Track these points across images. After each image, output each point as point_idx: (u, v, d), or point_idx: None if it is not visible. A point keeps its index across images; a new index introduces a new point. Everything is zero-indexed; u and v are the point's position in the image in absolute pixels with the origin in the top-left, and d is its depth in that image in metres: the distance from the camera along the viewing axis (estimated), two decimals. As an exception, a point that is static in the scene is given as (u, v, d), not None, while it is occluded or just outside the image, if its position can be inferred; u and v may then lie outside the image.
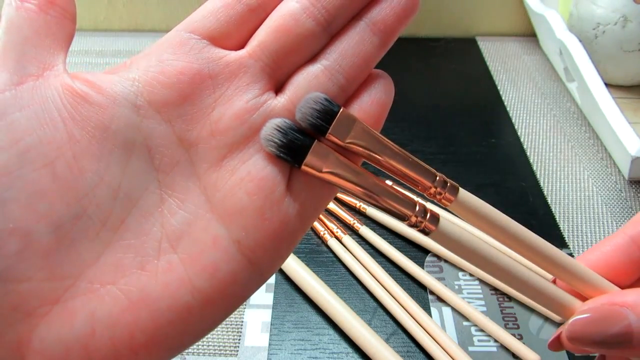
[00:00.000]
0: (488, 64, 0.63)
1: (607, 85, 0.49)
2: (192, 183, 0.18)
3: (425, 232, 0.19)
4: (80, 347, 0.16)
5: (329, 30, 0.19)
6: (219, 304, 0.17)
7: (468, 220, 0.20)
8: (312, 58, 0.19)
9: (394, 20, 0.19)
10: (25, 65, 0.17)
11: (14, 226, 0.16)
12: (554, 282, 0.19)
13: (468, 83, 0.60)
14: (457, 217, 0.20)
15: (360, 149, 0.18)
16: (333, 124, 0.17)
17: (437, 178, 0.19)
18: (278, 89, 0.19)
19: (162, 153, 0.18)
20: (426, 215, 0.18)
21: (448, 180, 0.19)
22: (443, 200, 0.19)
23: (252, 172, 0.17)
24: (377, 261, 0.38)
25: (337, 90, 0.19)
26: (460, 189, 0.19)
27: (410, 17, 0.19)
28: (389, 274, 0.37)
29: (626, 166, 0.45)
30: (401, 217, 0.18)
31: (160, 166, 0.18)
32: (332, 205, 0.43)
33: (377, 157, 0.18)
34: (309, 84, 0.18)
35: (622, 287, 0.18)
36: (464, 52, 0.65)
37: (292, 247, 0.18)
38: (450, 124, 0.54)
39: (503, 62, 0.63)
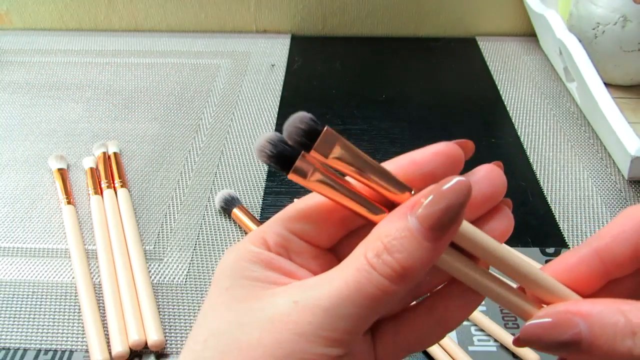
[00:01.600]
0: (488, 64, 0.63)
1: (606, 85, 0.49)
2: None
3: None
4: None
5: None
6: None
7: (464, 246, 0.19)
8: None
9: None
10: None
11: None
12: (521, 289, 0.19)
13: (468, 83, 0.60)
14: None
15: (343, 164, 0.18)
16: (317, 141, 0.17)
17: (413, 192, 0.18)
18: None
19: None
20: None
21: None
22: None
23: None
24: (377, 261, 0.38)
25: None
26: None
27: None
28: (389, 274, 0.37)
29: (626, 166, 0.45)
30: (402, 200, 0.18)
31: None
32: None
33: (359, 172, 0.18)
34: None
35: (584, 297, 0.19)
36: (464, 52, 0.65)
37: None
38: (450, 124, 0.54)
39: (503, 62, 0.63)
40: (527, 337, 0.17)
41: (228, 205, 0.43)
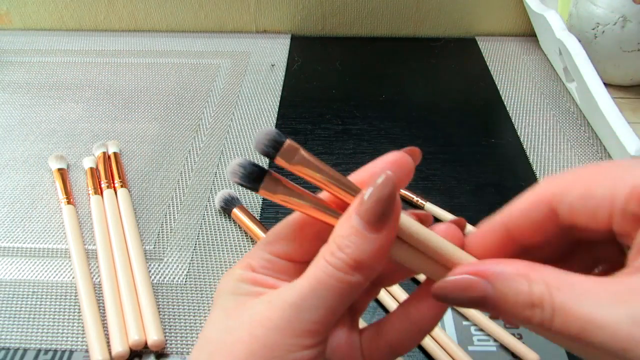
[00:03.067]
0: (488, 64, 0.63)
1: (606, 85, 0.49)
2: None
3: None
4: None
5: None
6: None
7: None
8: None
9: None
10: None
11: None
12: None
13: (468, 83, 0.60)
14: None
15: (304, 169, 0.20)
16: (280, 150, 0.20)
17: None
18: None
19: None
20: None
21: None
22: None
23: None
24: (377, 261, 0.38)
25: None
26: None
27: None
28: (389, 274, 0.37)
29: (626, 166, 0.45)
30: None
31: None
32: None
33: (318, 177, 0.20)
34: None
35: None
36: (464, 52, 0.65)
37: None
38: (450, 124, 0.54)
39: (503, 62, 0.63)
40: (441, 294, 0.19)
41: (228, 205, 0.43)
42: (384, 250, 0.19)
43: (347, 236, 0.18)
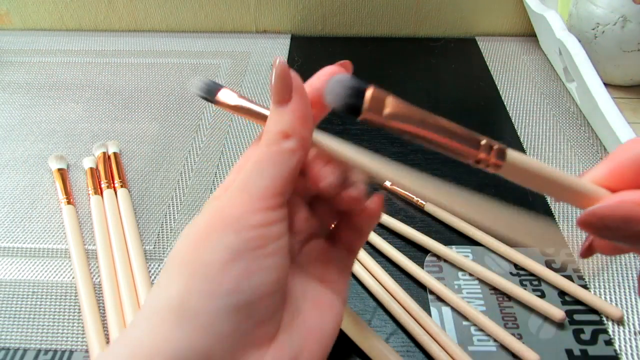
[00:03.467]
0: (488, 64, 0.63)
1: (606, 85, 0.49)
2: (317, 286, 0.24)
3: (496, 166, 0.19)
4: None
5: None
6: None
7: (520, 182, 0.20)
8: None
9: None
10: (277, 212, 0.21)
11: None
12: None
13: (468, 83, 0.60)
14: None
15: (399, 123, 0.18)
16: (365, 101, 0.18)
17: (483, 143, 0.18)
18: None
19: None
20: (491, 151, 0.18)
21: (494, 143, 0.19)
22: (490, 167, 0.19)
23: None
24: (377, 261, 0.38)
25: None
26: (509, 150, 0.19)
27: None
28: (389, 274, 0.37)
29: (626, 166, 0.45)
30: (468, 156, 0.19)
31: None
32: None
33: (417, 129, 0.18)
34: None
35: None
36: (464, 52, 0.65)
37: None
38: (450, 124, 0.54)
39: (503, 62, 0.63)
40: (591, 221, 0.19)
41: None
42: (299, 115, 0.22)
43: (269, 120, 0.22)
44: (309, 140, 0.22)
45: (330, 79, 0.20)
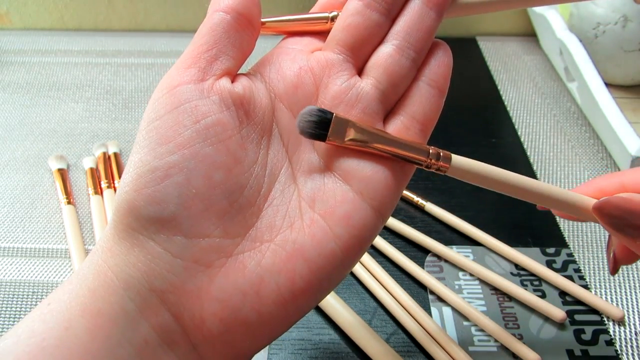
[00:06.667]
0: (488, 64, 0.63)
1: (607, 85, 0.49)
2: (314, 156, 0.22)
3: (441, 170, 0.23)
4: (253, 293, 0.20)
5: (391, 16, 0.23)
6: (355, 248, 0.21)
7: (466, 180, 0.23)
8: (383, 40, 0.23)
9: None
10: (213, 67, 0.22)
11: (197, 191, 0.20)
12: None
13: (468, 83, 0.60)
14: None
15: (359, 143, 0.21)
16: (330, 129, 0.21)
17: (431, 152, 0.22)
18: (361, 73, 0.23)
19: (288, 134, 0.22)
20: (439, 157, 0.22)
21: (440, 150, 0.22)
22: (439, 170, 0.23)
23: None
24: (377, 261, 0.38)
25: (410, 63, 0.23)
26: (453, 155, 0.23)
27: None
28: (389, 274, 0.37)
29: (626, 166, 0.45)
30: (418, 163, 0.22)
31: (289, 146, 0.22)
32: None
33: (375, 146, 0.21)
34: (385, 63, 0.23)
35: None
36: (464, 52, 0.65)
37: (401, 189, 0.23)
38: (450, 124, 0.53)
39: (503, 62, 0.63)
40: (604, 207, 0.23)
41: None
42: None
43: None
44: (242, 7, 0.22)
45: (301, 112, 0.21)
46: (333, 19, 0.24)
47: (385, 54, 0.23)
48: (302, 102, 0.22)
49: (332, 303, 0.35)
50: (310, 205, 0.21)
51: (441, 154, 0.22)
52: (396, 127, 0.23)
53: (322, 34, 0.24)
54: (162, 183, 0.20)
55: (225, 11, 0.22)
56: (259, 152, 0.22)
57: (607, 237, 0.34)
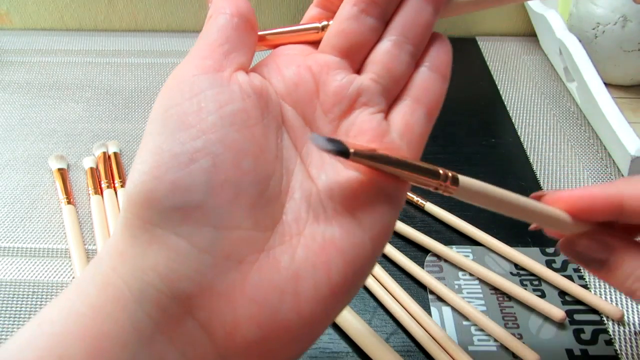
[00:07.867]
0: (488, 63, 0.63)
1: (606, 85, 0.49)
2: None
3: (449, 191, 0.22)
4: (291, 290, 0.18)
5: (386, 18, 0.23)
6: (381, 235, 0.20)
7: (473, 202, 0.23)
8: (380, 37, 0.23)
9: None
10: (228, 59, 0.21)
11: (225, 178, 0.18)
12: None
13: (468, 83, 0.60)
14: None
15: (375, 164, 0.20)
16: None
17: (441, 173, 0.21)
18: (359, 71, 0.23)
19: (295, 131, 0.22)
20: (447, 179, 0.22)
21: (448, 172, 0.22)
22: (446, 192, 0.22)
23: (363, 127, 0.21)
24: (377, 261, 0.38)
25: (409, 57, 0.23)
26: (460, 177, 0.22)
27: None
28: (389, 274, 0.37)
29: (626, 166, 0.45)
30: (429, 185, 0.22)
31: (296, 142, 0.22)
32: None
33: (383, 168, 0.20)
34: (384, 58, 0.22)
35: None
36: (464, 52, 0.65)
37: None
38: (450, 124, 0.54)
39: (503, 62, 0.63)
40: (567, 248, 0.25)
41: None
42: None
43: None
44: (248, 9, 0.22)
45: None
46: (324, 28, 0.24)
47: (383, 49, 0.22)
48: (304, 99, 0.22)
49: (332, 303, 0.35)
50: (330, 197, 0.20)
51: (449, 175, 0.22)
52: (401, 111, 0.23)
53: (314, 44, 0.24)
54: (187, 168, 0.18)
55: (230, 13, 0.22)
56: (276, 145, 0.21)
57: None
